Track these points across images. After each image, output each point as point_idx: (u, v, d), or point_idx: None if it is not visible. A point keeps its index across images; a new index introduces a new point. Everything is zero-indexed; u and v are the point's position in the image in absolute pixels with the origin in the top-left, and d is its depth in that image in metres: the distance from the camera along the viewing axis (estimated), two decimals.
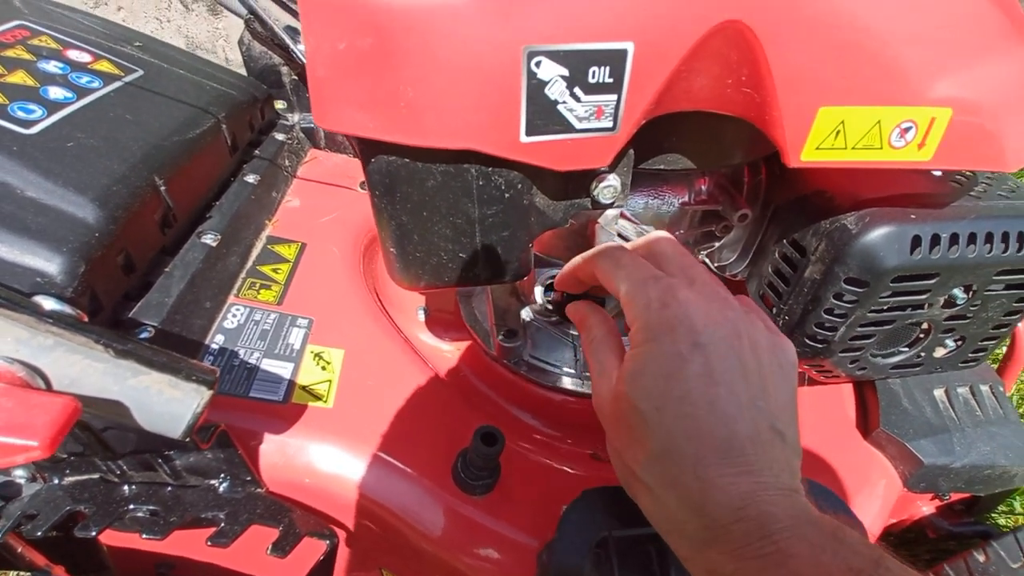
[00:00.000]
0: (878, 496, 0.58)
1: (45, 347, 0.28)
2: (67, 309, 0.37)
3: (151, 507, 0.41)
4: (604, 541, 0.42)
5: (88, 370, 0.28)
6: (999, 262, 0.46)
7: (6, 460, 0.24)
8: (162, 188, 0.54)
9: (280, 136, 0.83)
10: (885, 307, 0.47)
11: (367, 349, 0.58)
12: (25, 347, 0.27)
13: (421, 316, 0.71)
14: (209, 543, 0.41)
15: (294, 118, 0.90)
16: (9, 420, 0.24)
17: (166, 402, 0.31)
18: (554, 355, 0.64)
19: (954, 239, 0.44)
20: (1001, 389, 0.71)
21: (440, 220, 0.39)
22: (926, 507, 0.69)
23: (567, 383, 0.61)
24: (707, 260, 0.66)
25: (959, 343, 0.53)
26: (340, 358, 0.56)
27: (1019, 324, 0.75)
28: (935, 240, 0.44)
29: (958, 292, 0.48)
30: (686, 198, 0.58)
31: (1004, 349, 0.78)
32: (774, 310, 0.54)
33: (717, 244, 0.64)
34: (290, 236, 0.68)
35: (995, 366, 0.76)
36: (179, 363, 0.32)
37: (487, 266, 0.41)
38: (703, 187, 0.59)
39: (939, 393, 0.65)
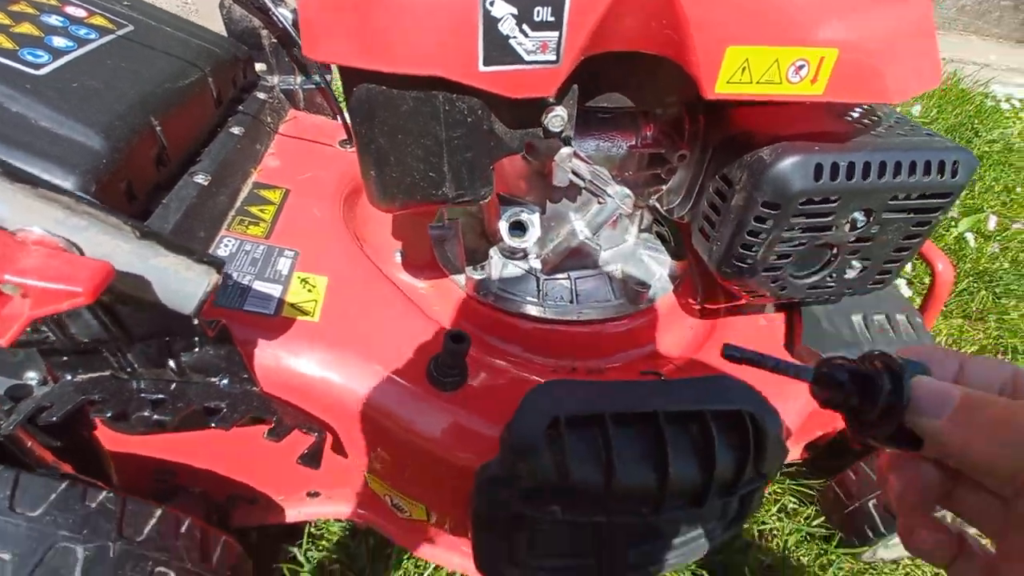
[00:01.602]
0: (799, 403, 0.66)
1: (80, 226, 0.33)
2: None
3: (159, 396, 0.47)
4: (556, 421, 0.49)
5: (117, 248, 0.34)
6: (891, 188, 0.54)
7: (54, 306, 0.30)
8: (158, 128, 0.59)
9: (261, 95, 0.88)
10: (796, 228, 0.55)
11: (349, 277, 0.64)
12: (63, 225, 0.33)
13: (398, 258, 0.77)
14: (212, 425, 0.47)
15: (274, 80, 0.94)
16: (58, 272, 0.30)
17: (181, 281, 0.37)
18: (518, 287, 0.71)
19: (851, 168, 0.52)
20: (918, 320, 0.80)
21: (413, 142, 0.45)
22: None
23: (530, 310, 0.69)
24: (657, 204, 0.74)
25: (866, 265, 0.62)
26: (324, 284, 0.62)
27: (939, 265, 0.85)
28: (835, 168, 0.52)
29: (859, 215, 0.56)
30: (633, 142, 0.66)
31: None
32: (709, 240, 0.62)
33: (664, 188, 0.72)
34: (275, 183, 0.74)
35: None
36: (193, 249, 0.38)
37: (453, 185, 0.48)
38: (648, 132, 0.66)
39: (857, 319, 0.74)
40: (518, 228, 0.70)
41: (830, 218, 0.55)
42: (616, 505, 0.53)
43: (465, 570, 0.67)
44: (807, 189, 0.52)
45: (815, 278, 0.62)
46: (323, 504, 0.70)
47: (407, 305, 0.64)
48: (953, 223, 1.49)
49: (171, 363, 0.48)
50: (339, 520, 0.77)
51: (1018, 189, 1.74)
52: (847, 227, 0.57)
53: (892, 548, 0.78)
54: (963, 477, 0.30)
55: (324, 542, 0.76)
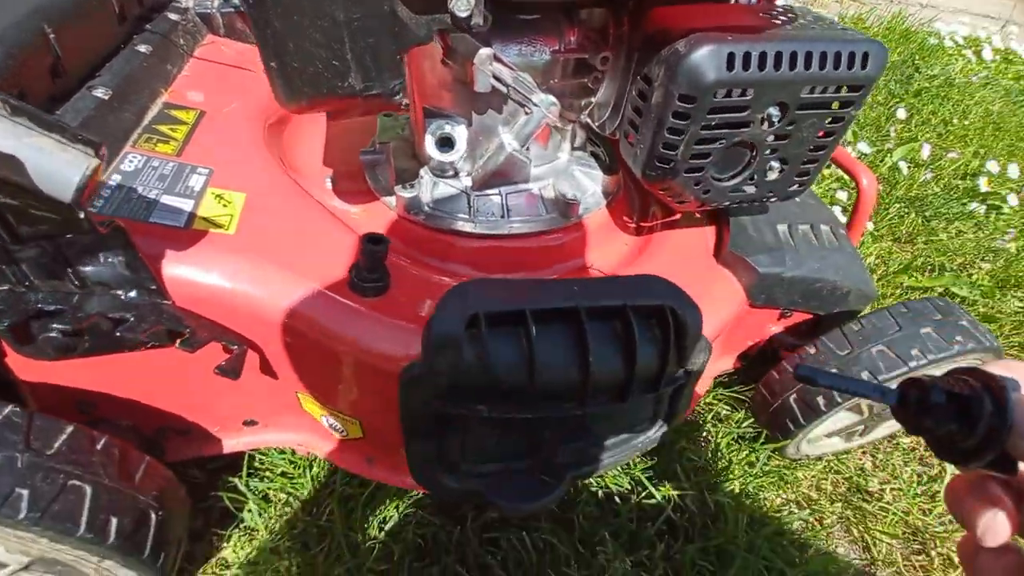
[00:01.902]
0: (725, 303, 0.68)
1: None
2: None
3: (59, 307, 0.45)
4: (476, 317, 0.49)
5: None
6: (804, 80, 0.55)
7: None
8: (51, 36, 0.55)
9: (173, 16, 0.82)
10: (714, 124, 0.55)
11: (268, 194, 0.62)
12: None
13: (329, 184, 0.75)
14: (118, 333, 0.46)
15: (188, 1, 0.88)
16: None
17: (58, 163, 0.35)
18: (449, 205, 0.70)
19: (763, 58, 0.52)
20: (841, 232, 0.83)
21: (310, 24, 0.43)
22: (775, 327, 0.81)
23: (461, 226, 0.68)
24: (589, 121, 0.73)
25: (784, 166, 0.63)
26: (242, 199, 0.60)
27: (864, 181, 0.88)
28: (748, 58, 0.52)
29: (774, 111, 0.57)
30: (557, 47, 0.64)
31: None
32: (633, 144, 0.62)
33: (594, 101, 0.71)
34: (188, 104, 0.70)
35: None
36: (67, 129, 0.35)
37: (359, 75, 0.46)
38: (572, 37, 0.65)
39: (782, 228, 0.76)
40: (446, 144, 0.68)
41: (746, 113, 0.55)
42: (541, 401, 0.54)
43: (406, 485, 0.68)
44: (721, 79, 0.52)
45: (737, 180, 0.63)
46: (261, 433, 0.70)
47: (328, 219, 0.62)
48: (888, 153, 1.53)
49: (70, 273, 0.46)
50: (282, 450, 0.77)
51: (955, 121, 1.80)
52: (764, 124, 0.58)
53: (815, 444, 0.83)
54: None
55: (267, 472, 0.76)
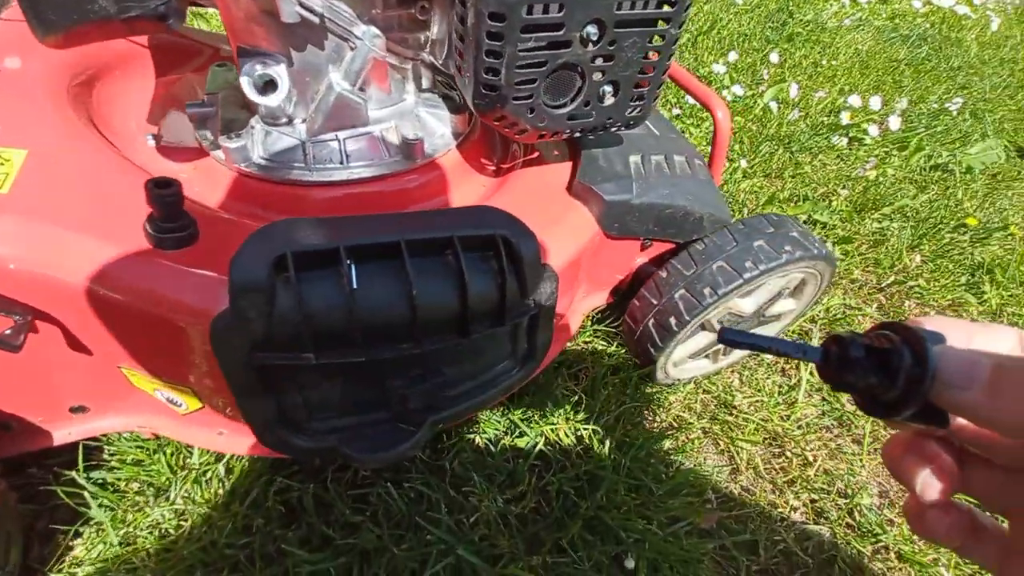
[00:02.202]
0: (576, 233, 0.69)
1: None
2: None
3: None
4: (283, 257, 0.46)
5: None
6: None
7: None
8: None
9: None
10: (530, 43, 0.54)
11: (57, 150, 0.55)
12: None
13: (151, 142, 0.68)
14: None
15: None
16: None
17: None
18: (284, 154, 0.65)
19: None
20: (698, 162, 0.85)
21: None
22: (640, 259, 0.83)
23: (296, 175, 0.64)
24: (432, 58, 0.70)
25: (617, 90, 0.63)
26: (21, 156, 0.53)
27: (719, 113, 0.90)
28: None
29: (591, 29, 0.56)
30: None
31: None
32: (462, 74, 0.60)
33: (431, 35, 0.68)
34: None
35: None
36: None
37: None
38: None
39: (635, 158, 0.77)
40: (270, 87, 0.64)
41: (562, 31, 0.54)
42: (371, 342, 0.53)
43: (260, 452, 0.65)
44: None
45: (571, 107, 0.63)
46: (94, 419, 0.64)
47: (127, 172, 0.56)
48: (761, 95, 1.60)
49: None
50: (129, 434, 0.72)
51: (824, 62, 1.91)
52: (586, 45, 0.57)
53: (681, 368, 0.86)
54: (970, 456, 0.29)
55: (116, 461, 0.70)
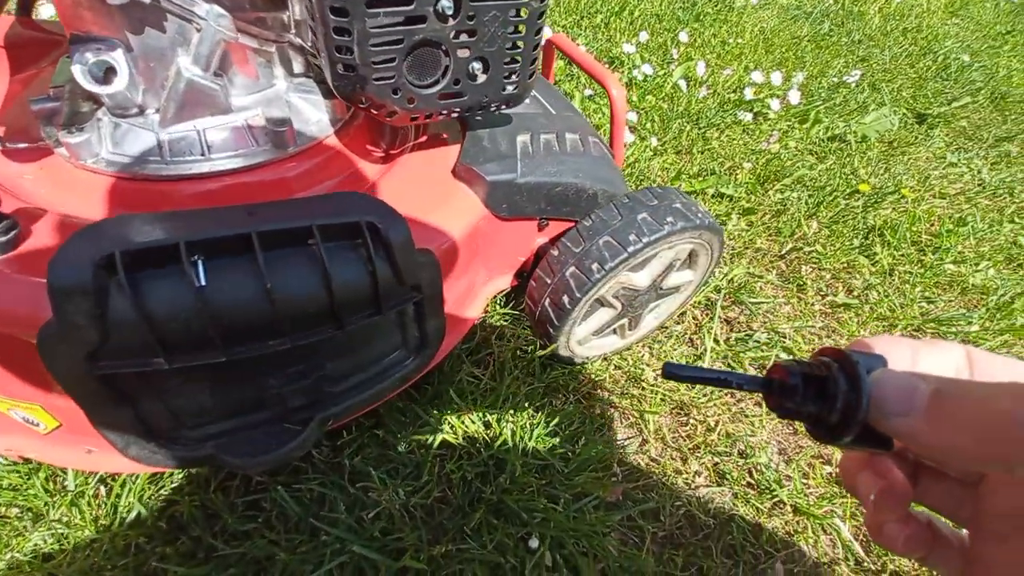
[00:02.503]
0: (460, 216, 0.67)
1: None
2: None
3: None
4: (112, 258, 0.43)
5: None
6: None
7: None
8: None
9: None
10: (380, 18, 0.52)
11: None
12: None
13: None
14: None
15: None
16: None
17: None
18: (136, 147, 0.61)
19: None
20: (593, 139, 0.85)
21: None
22: (540, 239, 0.82)
23: (151, 170, 0.60)
24: (302, 41, 0.66)
25: (487, 67, 0.62)
26: None
27: (614, 91, 0.90)
28: None
29: (446, 2, 0.54)
30: None
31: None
32: (319, 57, 0.57)
33: (288, 16, 0.64)
34: None
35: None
36: None
37: None
38: None
39: (523, 138, 0.76)
40: (113, 75, 0.59)
41: (413, 6, 0.53)
42: (234, 340, 0.50)
43: (135, 470, 0.61)
44: None
45: (440, 86, 0.61)
46: None
47: None
48: (670, 73, 1.63)
49: None
50: (3, 459, 0.66)
51: (731, 41, 1.97)
52: (440, 19, 0.55)
53: (587, 346, 0.87)
54: (925, 470, 0.29)
55: None
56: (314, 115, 0.70)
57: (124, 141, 0.61)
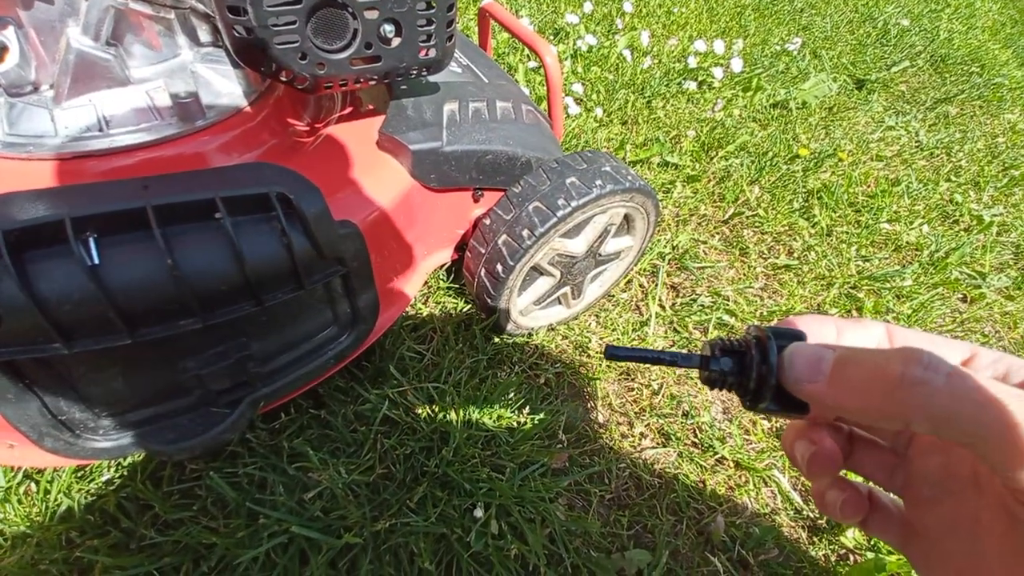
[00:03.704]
0: (384, 187, 0.66)
1: None
2: None
3: None
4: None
5: None
6: None
7: None
8: None
9: None
10: None
11: None
12: None
13: None
14: None
15: None
16: None
17: None
18: (30, 126, 0.57)
19: None
20: (526, 107, 0.84)
21: None
22: (477, 210, 0.81)
23: (47, 149, 0.56)
24: (205, 7, 0.63)
25: (398, 30, 0.60)
26: None
27: (547, 58, 0.89)
28: None
29: None
30: None
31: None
32: (219, 22, 0.54)
33: None
34: None
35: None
36: None
37: None
38: None
39: (450, 106, 0.74)
40: (5, 54, 0.55)
41: None
42: (138, 322, 0.48)
43: (61, 463, 0.58)
44: None
45: (351, 50, 0.59)
46: None
47: None
48: (614, 43, 1.63)
49: None
50: None
51: (675, 10, 1.97)
52: None
53: (531, 316, 0.87)
54: (859, 440, 0.31)
55: None
56: (225, 86, 0.67)
57: (19, 121, 0.57)
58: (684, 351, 0.30)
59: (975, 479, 0.26)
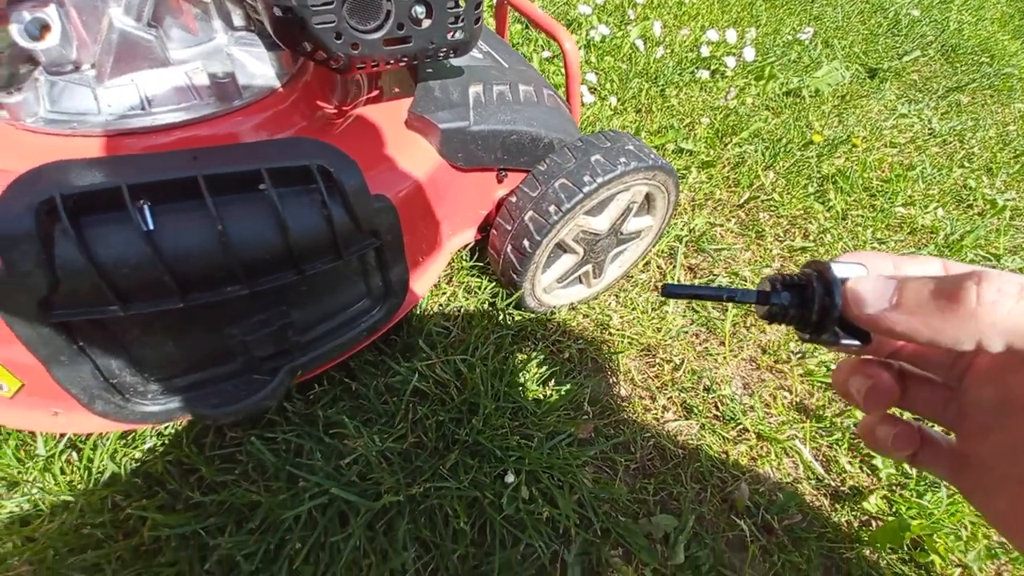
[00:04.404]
0: (415, 164, 0.68)
1: None
2: None
3: None
4: (52, 203, 0.42)
5: None
6: None
7: None
8: None
9: None
10: None
11: None
12: None
13: None
14: None
15: None
16: None
17: None
18: (73, 104, 0.60)
19: None
20: (547, 91, 0.86)
21: None
22: (500, 191, 0.83)
23: (91, 127, 0.58)
24: None
25: (429, 11, 0.62)
26: None
27: (567, 44, 0.91)
28: None
29: None
30: None
31: None
32: (257, 3, 0.56)
33: None
34: None
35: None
36: None
37: None
38: None
39: (476, 88, 0.76)
40: (47, 32, 0.57)
41: None
42: (190, 286, 0.50)
43: (107, 428, 0.60)
44: None
45: (384, 31, 0.61)
46: None
47: None
48: (627, 34, 1.64)
49: None
50: None
51: (686, 1, 1.98)
52: None
53: (553, 294, 0.89)
54: (910, 377, 0.32)
55: None
56: (259, 69, 0.69)
57: (61, 98, 0.60)
58: (742, 288, 0.31)
59: None
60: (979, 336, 0.22)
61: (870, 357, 0.32)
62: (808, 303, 0.28)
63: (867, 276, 0.27)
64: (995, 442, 0.29)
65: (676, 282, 0.28)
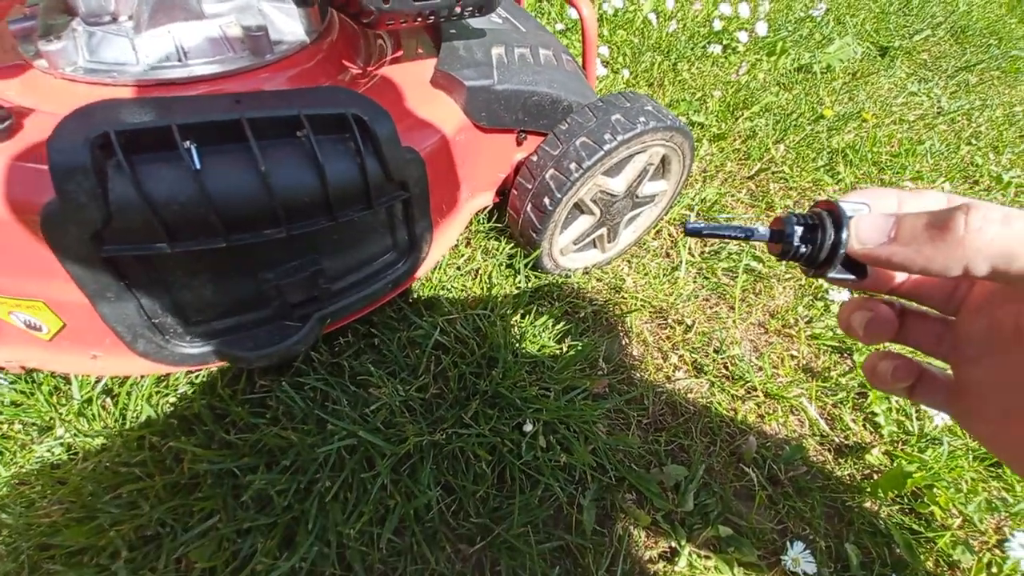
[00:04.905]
0: (442, 120, 0.69)
1: None
2: None
3: None
4: (107, 138, 0.44)
5: None
6: None
7: None
8: None
9: None
10: None
11: None
12: None
13: None
14: None
15: None
16: None
17: None
18: (112, 54, 0.61)
19: None
20: (566, 56, 0.87)
21: None
22: (519, 154, 0.85)
23: (129, 76, 0.60)
24: None
25: None
26: None
27: (585, 11, 0.92)
28: None
29: None
30: None
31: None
32: None
33: None
34: None
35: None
36: None
37: None
38: None
39: (498, 50, 0.77)
40: None
41: None
42: (232, 226, 0.52)
43: (141, 370, 0.63)
44: None
45: None
46: None
47: None
48: (640, 7, 1.64)
49: None
50: (3, 374, 0.67)
51: None
52: None
53: (568, 257, 0.91)
54: (909, 314, 0.34)
55: None
56: (288, 25, 0.70)
57: (100, 48, 0.61)
58: (758, 226, 0.33)
59: (1018, 333, 0.29)
60: (966, 261, 0.24)
61: (870, 295, 0.34)
62: (819, 241, 0.30)
63: (868, 214, 0.29)
64: (986, 369, 0.31)
65: (698, 222, 0.30)
